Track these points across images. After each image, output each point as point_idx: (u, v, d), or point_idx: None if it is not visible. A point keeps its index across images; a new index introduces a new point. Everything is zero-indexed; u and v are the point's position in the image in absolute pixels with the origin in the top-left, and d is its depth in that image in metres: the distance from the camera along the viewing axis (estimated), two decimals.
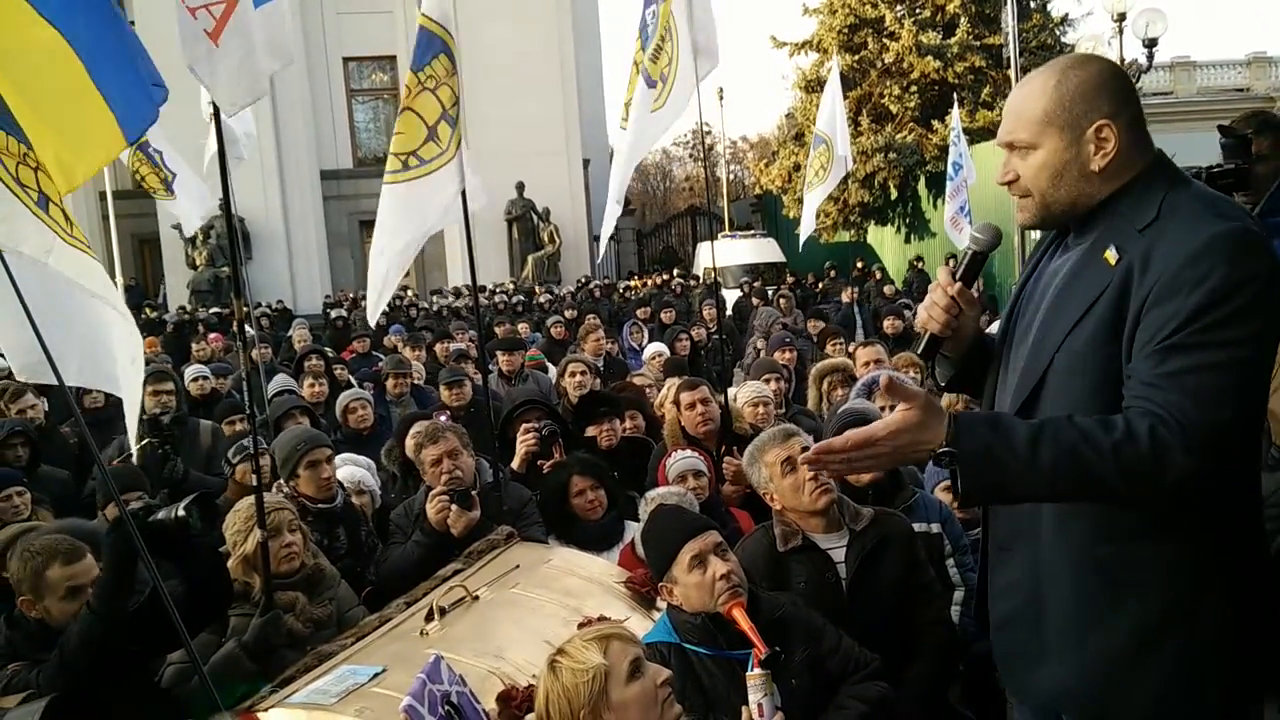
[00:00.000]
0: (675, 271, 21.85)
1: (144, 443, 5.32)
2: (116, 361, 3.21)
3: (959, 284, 1.96)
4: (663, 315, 12.08)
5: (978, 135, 18.44)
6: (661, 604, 3.02)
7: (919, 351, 2.07)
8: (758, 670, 2.30)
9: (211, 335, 12.14)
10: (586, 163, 25.64)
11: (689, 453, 4.04)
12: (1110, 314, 1.73)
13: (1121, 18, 14.87)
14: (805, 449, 2.97)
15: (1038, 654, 1.87)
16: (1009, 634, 1.95)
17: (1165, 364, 1.63)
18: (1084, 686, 1.80)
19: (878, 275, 18.80)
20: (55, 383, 2.64)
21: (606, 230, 5.27)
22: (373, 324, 4.64)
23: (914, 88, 22.12)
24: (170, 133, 8.73)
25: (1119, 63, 16.95)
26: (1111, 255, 1.76)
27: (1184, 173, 1.85)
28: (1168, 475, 1.59)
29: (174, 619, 2.34)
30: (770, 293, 15.03)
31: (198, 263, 21.71)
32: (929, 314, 1.98)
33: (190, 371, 8.00)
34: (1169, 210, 1.73)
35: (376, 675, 2.44)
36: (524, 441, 4.33)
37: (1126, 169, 1.80)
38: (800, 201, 23.69)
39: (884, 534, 2.94)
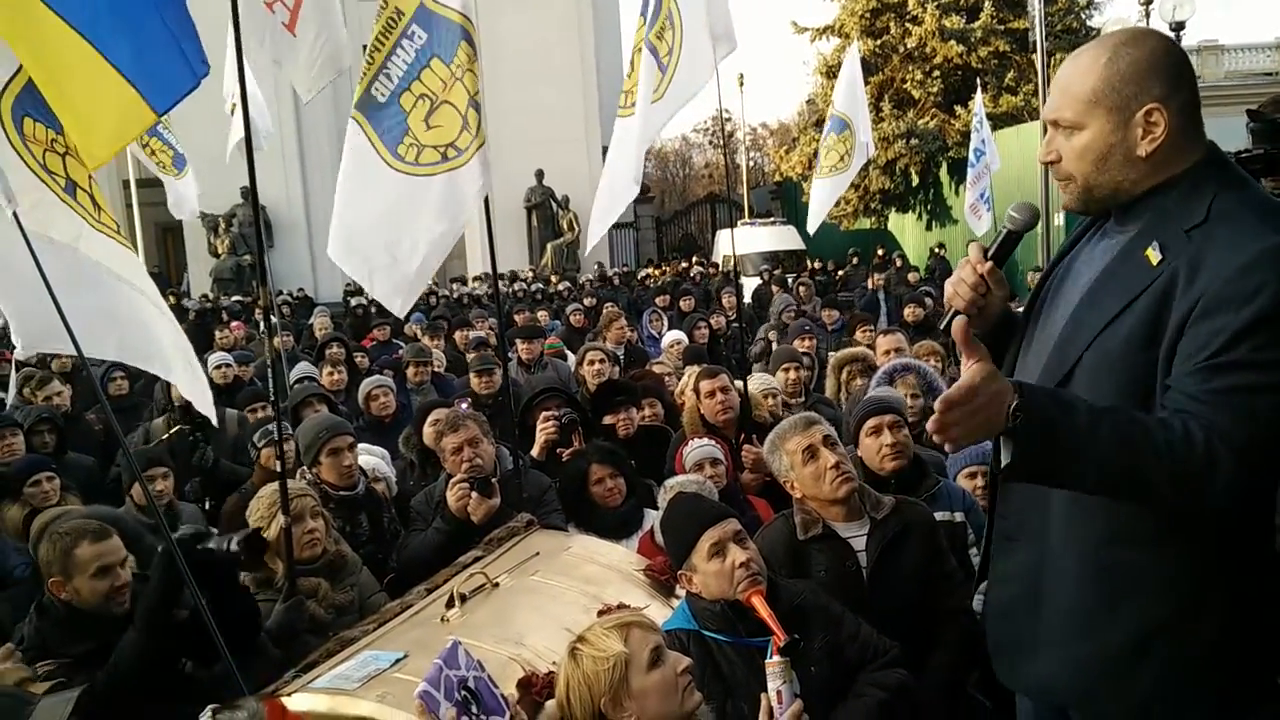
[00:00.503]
0: (694, 259, 21.80)
1: (175, 429, 5.38)
2: (157, 343, 3.24)
3: (989, 263, 1.92)
4: (682, 303, 12.06)
5: (1001, 121, 18.26)
6: (680, 591, 3.02)
7: (943, 327, 2.02)
8: (777, 658, 2.31)
9: (233, 323, 12.23)
10: (605, 150, 25.61)
11: (706, 441, 4.03)
12: (1149, 318, 1.67)
13: (1149, 1, 14.63)
14: (828, 437, 2.97)
15: (1032, 645, 1.87)
16: (1005, 622, 1.95)
17: (1214, 381, 1.59)
18: (1075, 682, 1.80)
19: (899, 263, 18.69)
20: (68, 352, 2.67)
21: (611, 217, 5.03)
22: (402, 315, 4.57)
23: (936, 73, 21.92)
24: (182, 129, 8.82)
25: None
26: (1154, 254, 1.69)
27: (1240, 171, 1.78)
28: (1216, 484, 1.56)
29: (218, 642, 2.43)
30: (790, 280, 14.96)
31: (220, 251, 21.87)
32: (956, 291, 1.93)
33: (213, 359, 8.06)
34: (1219, 214, 1.66)
35: (398, 661, 2.45)
36: (544, 430, 4.35)
37: (1176, 159, 1.72)
38: None
39: (905, 522, 2.93)
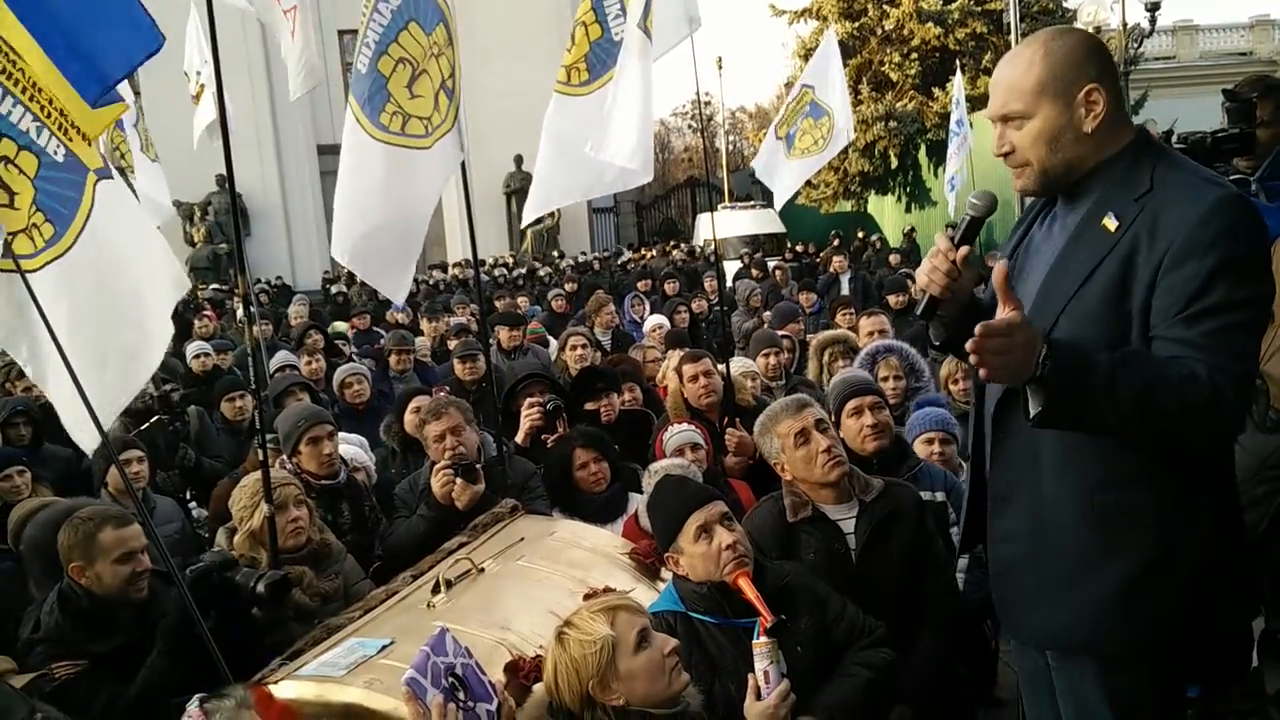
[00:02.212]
0: (672, 243, 21.78)
1: (154, 419, 5.34)
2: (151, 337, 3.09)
3: (960, 249, 2.01)
4: (666, 287, 12.00)
5: (979, 102, 18.28)
6: (666, 574, 3.04)
7: (919, 312, 2.13)
8: (764, 638, 2.33)
9: (204, 312, 12.12)
10: None
11: (686, 426, 4.04)
12: (1117, 279, 1.84)
13: None
14: (820, 420, 2.99)
15: (1034, 596, 1.99)
16: (1008, 579, 2.06)
17: (1201, 324, 1.76)
18: (1077, 625, 1.93)
19: (877, 245, 18.75)
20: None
21: (572, 197, 4.79)
22: (402, 302, 4.47)
23: (914, 55, 21.96)
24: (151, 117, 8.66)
25: (1121, 26, 16.82)
26: (1110, 223, 1.87)
27: (1165, 145, 2.02)
28: (1226, 415, 1.74)
29: (219, 663, 2.44)
30: (770, 264, 14.98)
31: (196, 240, 21.67)
32: (929, 277, 2.03)
33: (192, 348, 8.01)
34: (1161, 181, 1.85)
35: (384, 647, 2.46)
36: (528, 416, 4.34)
37: (1114, 136, 1.92)
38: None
39: (894, 505, 2.95)
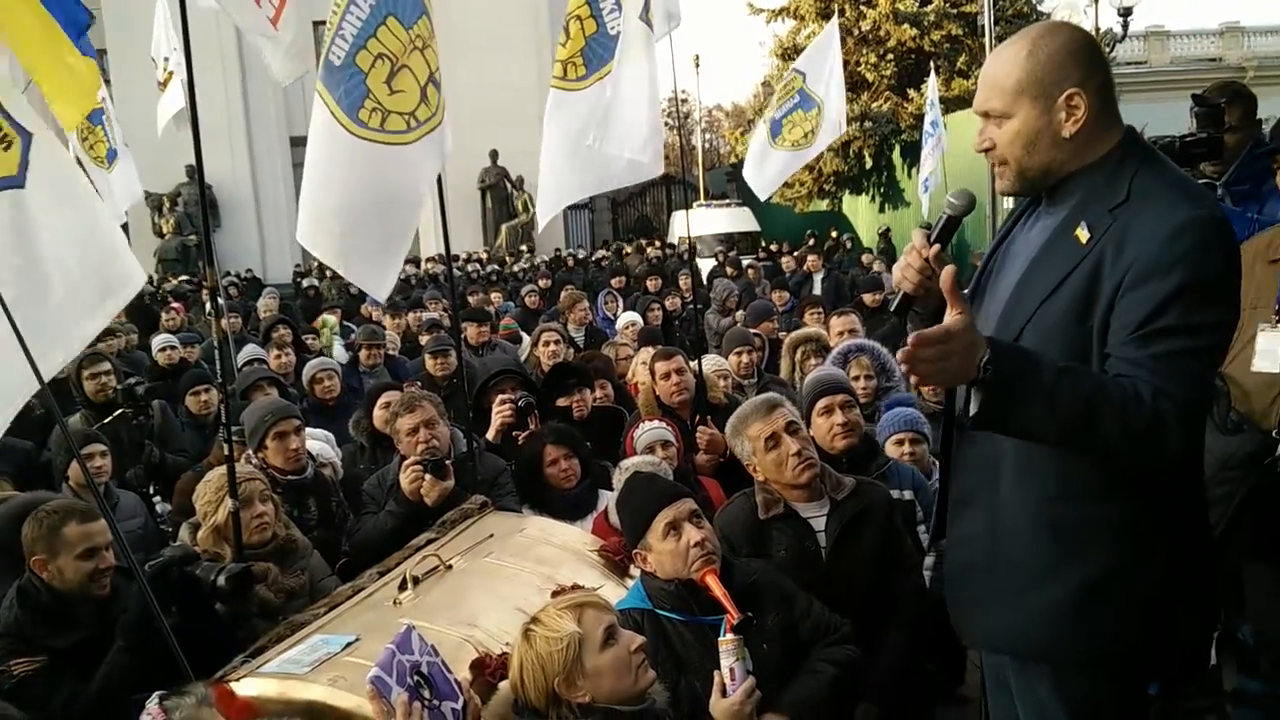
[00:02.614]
0: (643, 241, 21.74)
1: (118, 412, 5.26)
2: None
3: (934, 246, 2.03)
4: (648, 283, 11.91)
5: (954, 104, 18.45)
6: (635, 571, 3.03)
7: (893, 309, 2.14)
8: (730, 635, 2.33)
9: (173, 305, 11.96)
10: None
11: (656, 423, 4.04)
12: (1081, 293, 1.80)
13: None
14: (791, 423, 2.98)
15: (986, 601, 1.96)
16: (963, 581, 2.04)
17: (1152, 346, 1.71)
18: (1029, 632, 1.90)
19: (849, 245, 18.85)
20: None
21: (582, 194, 4.63)
22: (384, 298, 4.35)
23: (890, 56, 22.09)
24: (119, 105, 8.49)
25: (1094, 31, 17.00)
26: (1083, 234, 1.82)
27: (1154, 150, 1.91)
28: (1167, 440, 1.69)
29: (180, 660, 2.44)
30: (744, 263, 15.02)
31: (164, 231, 21.38)
32: (903, 274, 2.05)
33: (158, 341, 7.90)
34: (1138, 192, 1.80)
35: (349, 644, 2.43)
36: (499, 413, 4.32)
37: (1098, 140, 1.86)
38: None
39: (865, 504, 2.96)
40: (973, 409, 1.73)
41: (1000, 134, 1.90)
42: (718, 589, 2.44)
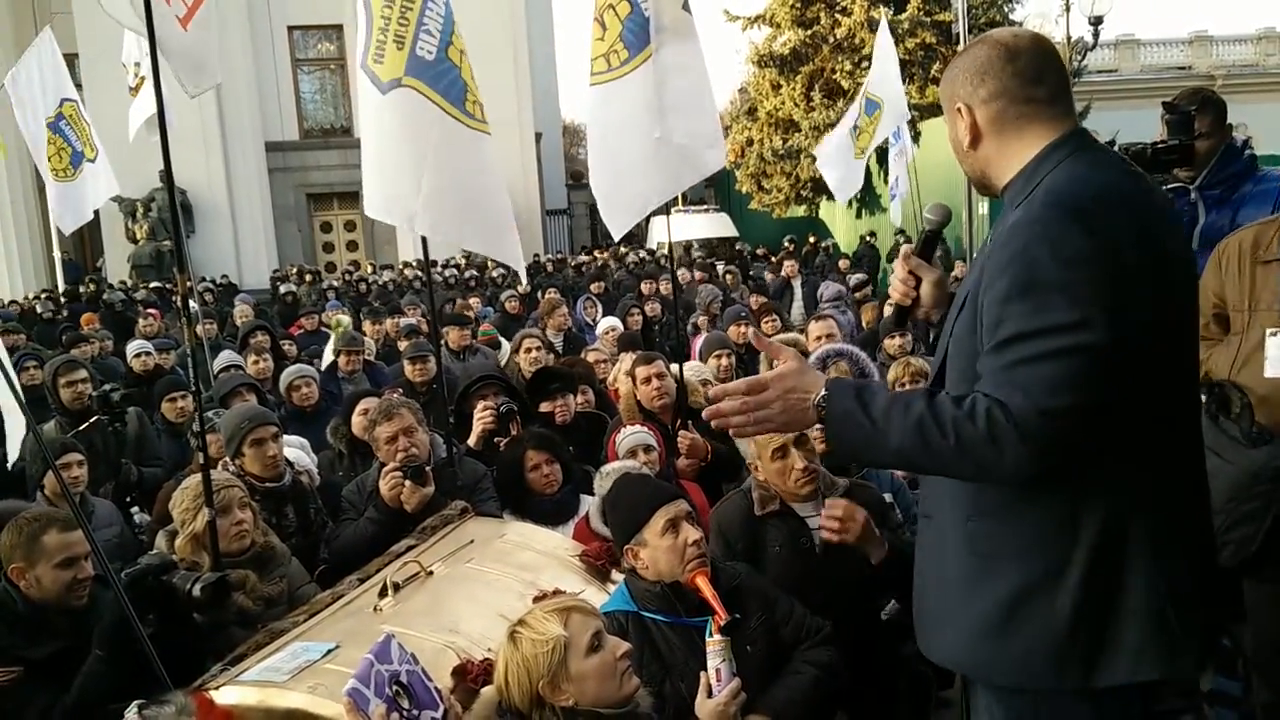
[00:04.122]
0: (626, 247, 21.70)
1: (93, 420, 5.20)
2: None
3: (915, 259, 2.14)
4: (643, 286, 11.87)
5: (927, 111, 18.60)
6: (617, 576, 3.03)
7: (893, 321, 2.23)
8: (718, 636, 2.35)
9: (149, 310, 11.86)
10: (539, 136, 25.40)
11: (638, 428, 4.04)
12: (972, 306, 1.80)
13: None
14: (800, 436, 2.96)
15: (937, 616, 1.95)
16: (919, 596, 2.04)
17: (998, 358, 1.69)
18: (963, 650, 1.87)
19: (829, 250, 18.94)
20: None
21: (660, 197, 4.13)
22: (523, 269, 4.31)
23: (865, 63, 22.18)
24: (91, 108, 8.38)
25: (1065, 40, 17.19)
26: (989, 246, 1.85)
27: (1091, 148, 1.84)
28: (1005, 460, 1.64)
29: (156, 668, 2.41)
30: (720, 268, 15.04)
31: (138, 236, 21.14)
32: (894, 287, 2.16)
33: (132, 347, 7.82)
34: (1030, 198, 1.77)
35: (329, 652, 2.41)
36: (481, 419, 4.30)
37: (1008, 146, 1.87)
38: (754, 177, 23.74)
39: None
40: (829, 445, 1.79)
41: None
42: (708, 590, 2.46)
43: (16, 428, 3.05)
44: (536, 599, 2.76)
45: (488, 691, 2.23)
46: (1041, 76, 1.86)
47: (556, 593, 2.76)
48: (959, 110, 1.90)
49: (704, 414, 1.81)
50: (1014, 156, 1.87)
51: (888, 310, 7.98)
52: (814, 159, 22.02)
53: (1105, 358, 1.63)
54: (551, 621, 2.09)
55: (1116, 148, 4.08)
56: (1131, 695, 1.77)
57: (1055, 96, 1.86)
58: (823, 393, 1.76)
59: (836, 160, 8.51)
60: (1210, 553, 1.90)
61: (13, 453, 3.02)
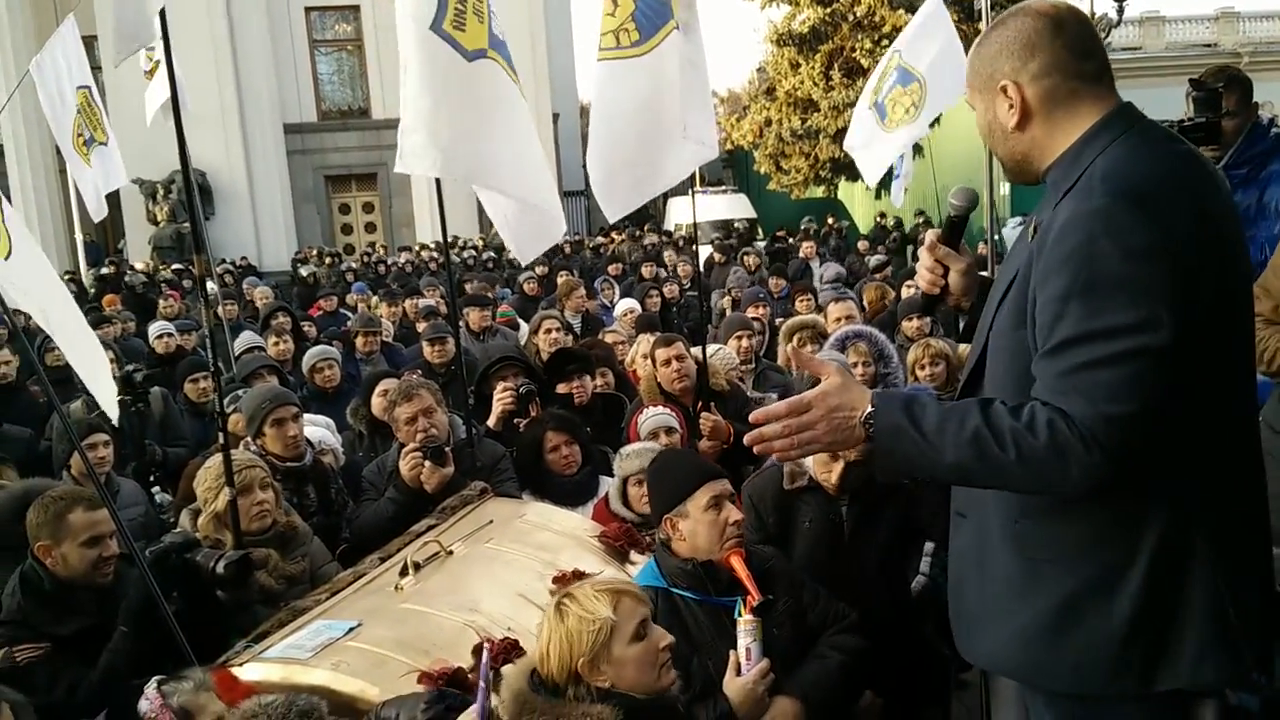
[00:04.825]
0: (647, 227, 21.67)
1: (117, 399, 5.24)
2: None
3: (943, 248, 2.07)
4: (644, 270, 11.84)
5: None
6: (636, 557, 3.04)
7: (920, 308, 2.18)
8: (749, 616, 2.37)
9: (170, 292, 11.94)
10: (556, 117, 25.33)
11: (661, 409, 4.04)
12: (1018, 298, 1.72)
13: None
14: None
15: (979, 618, 1.89)
16: (959, 596, 1.98)
17: (1056, 363, 1.60)
18: (1012, 654, 1.81)
19: (842, 231, 18.84)
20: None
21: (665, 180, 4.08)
22: (612, 218, 4.24)
23: (885, 41, 21.95)
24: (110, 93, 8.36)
25: (1089, 17, 16.96)
26: (1031, 230, 1.78)
27: (1141, 127, 1.75)
28: (1070, 472, 1.56)
29: (181, 644, 2.45)
30: (738, 250, 14.97)
31: (159, 218, 21.26)
32: (919, 275, 2.12)
33: (155, 328, 7.89)
34: (1080, 183, 1.68)
35: (352, 630, 2.44)
36: (500, 400, 4.31)
37: (1060, 129, 1.76)
38: (772, 157, 23.59)
39: (889, 487, 3.00)
40: (878, 461, 1.70)
41: (977, 126, 1.89)
42: (742, 570, 2.49)
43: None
44: (556, 579, 2.78)
45: (509, 669, 2.24)
46: (1089, 50, 1.76)
47: (576, 573, 2.77)
48: (1002, 89, 1.77)
49: (745, 439, 1.74)
50: (1062, 137, 1.76)
51: (905, 293, 7.95)
52: (832, 138, 21.95)
53: (1171, 358, 1.54)
54: (601, 601, 2.06)
55: None
56: (1186, 697, 1.72)
57: (1101, 71, 1.77)
58: (869, 409, 1.66)
59: (868, 140, 8.07)
60: (1268, 553, 1.82)
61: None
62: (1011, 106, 1.77)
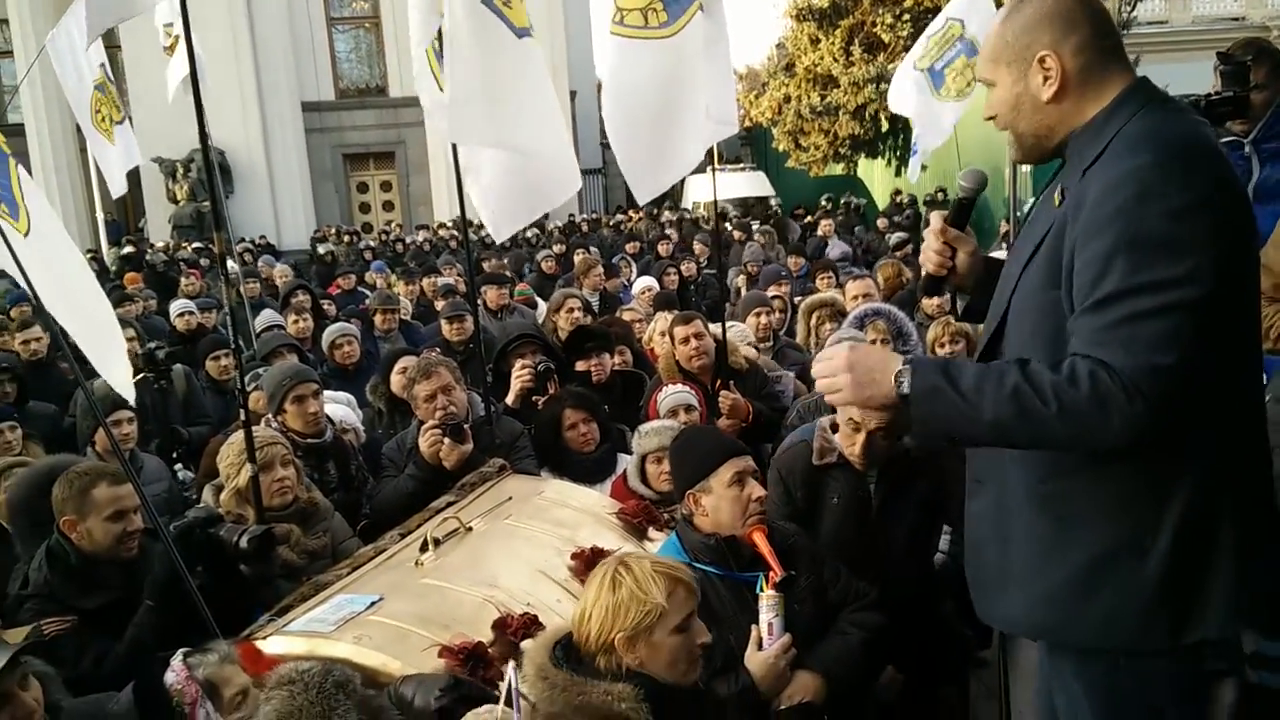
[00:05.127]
0: (668, 204, 21.59)
1: (139, 377, 5.30)
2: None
3: (952, 230, 2.09)
4: (695, 247, 11.79)
5: None
6: (654, 534, 3.05)
7: (922, 289, 2.16)
8: (772, 591, 2.38)
9: (190, 270, 12.02)
10: (574, 95, 25.19)
11: (680, 387, 4.04)
12: (1050, 259, 1.75)
13: None
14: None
15: (1000, 582, 1.91)
16: (977, 562, 2.00)
17: (1098, 317, 1.62)
18: (1039, 615, 1.84)
19: (858, 209, 18.70)
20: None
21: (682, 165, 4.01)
22: (644, 200, 4.24)
23: (906, 16, 21.69)
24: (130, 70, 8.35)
25: None
26: (1058, 198, 1.80)
27: (1161, 100, 1.80)
28: (1112, 424, 1.57)
29: (205, 618, 2.49)
30: (754, 227, 14.91)
31: (179, 197, 21.36)
32: (925, 256, 2.11)
33: (176, 306, 7.94)
34: (1111, 148, 1.72)
35: (373, 604, 2.47)
36: (519, 378, 4.33)
37: (1088, 100, 1.80)
38: (791, 134, 23.39)
39: (918, 463, 3.00)
40: (913, 426, 1.72)
41: (993, 102, 1.90)
42: (765, 546, 2.50)
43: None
44: (574, 556, 2.80)
45: (529, 643, 2.25)
46: (1110, 26, 1.84)
47: (595, 550, 2.79)
48: (1040, 61, 1.78)
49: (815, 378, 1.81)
50: (1088, 109, 1.80)
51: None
52: (852, 115, 21.74)
53: (1209, 312, 1.59)
54: (657, 584, 2.02)
55: None
56: (1208, 650, 1.75)
57: (1119, 46, 1.83)
58: (902, 368, 1.69)
59: (921, 107, 7.76)
60: (1274, 503, 1.87)
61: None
62: (1048, 79, 1.79)
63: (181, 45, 7.95)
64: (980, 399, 1.63)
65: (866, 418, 2.02)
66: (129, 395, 3.54)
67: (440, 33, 3.77)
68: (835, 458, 3.00)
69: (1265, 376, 2.55)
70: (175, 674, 2.16)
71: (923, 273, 2.19)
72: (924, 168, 11.10)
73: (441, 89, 3.90)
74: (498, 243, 4.46)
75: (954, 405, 1.66)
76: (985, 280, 2.09)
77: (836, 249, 10.57)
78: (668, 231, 14.44)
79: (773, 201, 21.30)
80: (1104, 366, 1.58)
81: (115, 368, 3.38)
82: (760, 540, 2.52)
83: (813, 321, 5.55)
